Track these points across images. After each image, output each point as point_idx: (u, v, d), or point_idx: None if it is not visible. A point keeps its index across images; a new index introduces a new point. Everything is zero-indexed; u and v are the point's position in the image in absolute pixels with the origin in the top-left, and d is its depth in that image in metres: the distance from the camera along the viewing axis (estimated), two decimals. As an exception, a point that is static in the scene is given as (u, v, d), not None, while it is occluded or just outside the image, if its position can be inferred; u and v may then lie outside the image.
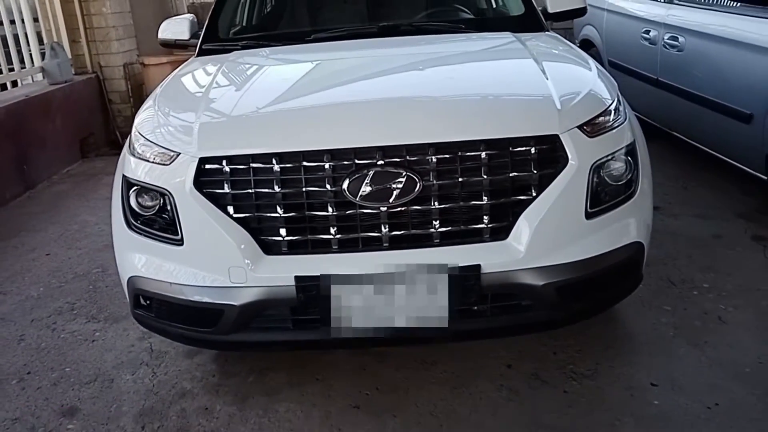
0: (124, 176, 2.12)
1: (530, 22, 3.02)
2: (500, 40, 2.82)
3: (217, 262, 1.93)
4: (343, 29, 2.99)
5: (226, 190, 1.93)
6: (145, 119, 2.26)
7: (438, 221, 1.91)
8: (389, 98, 2.22)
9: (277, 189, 1.90)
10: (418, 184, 1.86)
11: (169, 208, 1.99)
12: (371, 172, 1.86)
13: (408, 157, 1.88)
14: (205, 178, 1.95)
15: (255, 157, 1.92)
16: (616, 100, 2.16)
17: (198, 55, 2.98)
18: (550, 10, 3.12)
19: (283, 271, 1.89)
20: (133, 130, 2.22)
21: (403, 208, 1.89)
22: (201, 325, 2.00)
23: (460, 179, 1.89)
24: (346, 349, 2.40)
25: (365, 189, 1.86)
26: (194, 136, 2.01)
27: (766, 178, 3.19)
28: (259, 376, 2.34)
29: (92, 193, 4.57)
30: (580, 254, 1.93)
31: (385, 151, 1.88)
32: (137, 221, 2.08)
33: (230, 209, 1.94)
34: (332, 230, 1.91)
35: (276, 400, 2.21)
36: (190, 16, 3.26)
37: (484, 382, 2.24)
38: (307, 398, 2.22)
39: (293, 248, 1.93)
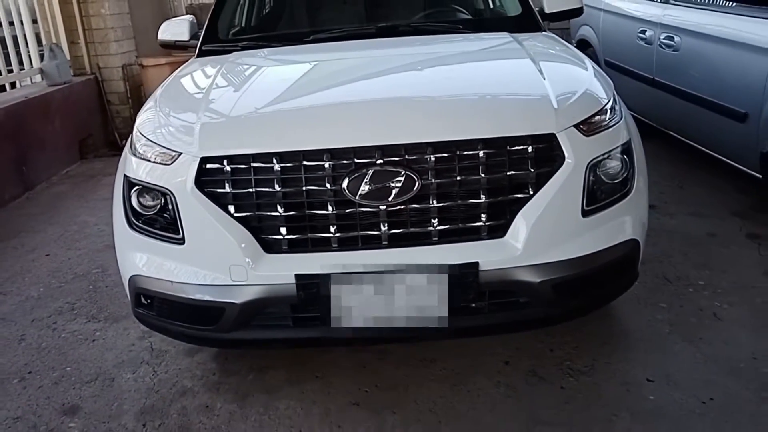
0: (125, 176, 2.14)
1: (527, 22, 3.04)
2: (498, 41, 2.84)
3: (218, 260, 1.95)
4: (342, 30, 3.01)
5: (227, 189, 1.95)
6: (146, 119, 2.28)
7: (436, 219, 1.93)
8: (388, 98, 2.25)
9: (277, 188, 1.93)
10: (417, 183, 1.89)
11: (170, 207, 2.01)
12: (370, 171, 1.89)
13: (407, 156, 1.90)
14: (206, 178, 1.97)
15: (255, 157, 1.94)
16: (611, 99, 2.19)
17: (198, 56, 3.00)
18: (547, 11, 3.15)
19: (283, 270, 1.91)
20: (135, 130, 2.24)
21: (402, 207, 1.91)
22: (202, 323, 2.02)
23: (458, 178, 1.91)
24: (346, 347, 2.42)
25: (365, 188, 1.88)
26: (195, 136, 2.03)
27: (760, 176, 3.22)
28: (259, 374, 2.36)
29: (91, 194, 4.59)
30: (577, 251, 1.96)
31: (384, 150, 1.90)
32: (139, 221, 2.10)
33: (231, 208, 1.96)
34: (332, 229, 1.93)
35: (276, 398, 2.23)
36: (189, 17, 3.28)
37: (482, 378, 2.26)
38: (307, 395, 2.24)
39: (293, 247, 1.96)
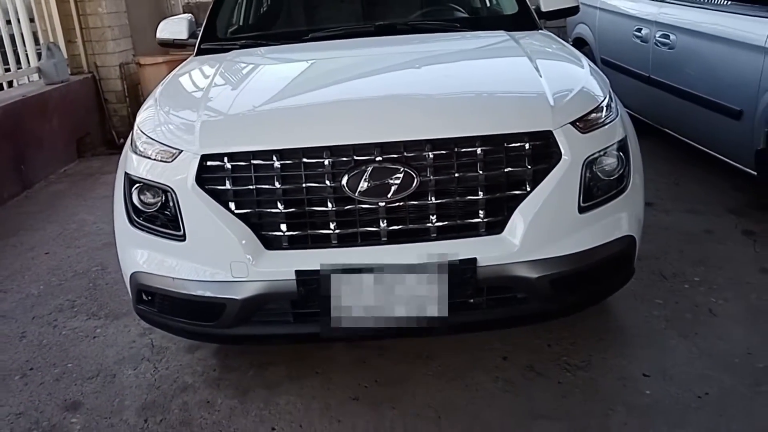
0: (126, 173, 2.16)
1: (524, 20, 3.06)
2: (495, 39, 2.86)
3: (218, 257, 1.97)
4: (340, 28, 3.03)
5: (228, 186, 1.97)
6: (146, 117, 2.29)
7: (435, 216, 1.95)
8: (387, 96, 2.27)
9: (277, 185, 1.94)
10: (416, 180, 1.91)
11: (171, 204, 2.02)
12: (370, 168, 1.90)
13: (406, 154, 1.92)
14: (207, 175, 1.98)
15: (256, 154, 1.96)
16: (607, 96, 2.21)
17: (197, 55, 3.02)
18: (544, 9, 3.18)
19: (283, 266, 1.93)
20: (135, 128, 2.26)
21: (400, 203, 1.93)
22: (203, 319, 2.04)
23: (456, 174, 1.93)
24: (346, 342, 2.44)
25: (364, 185, 1.90)
26: (196, 133, 2.05)
27: (755, 173, 3.25)
28: (259, 370, 2.38)
29: (90, 193, 4.60)
30: (574, 247, 1.98)
31: (384, 147, 1.92)
32: (140, 218, 2.11)
33: (231, 205, 1.97)
34: (332, 225, 1.95)
35: (276, 393, 2.25)
36: (188, 15, 3.30)
37: (481, 374, 2.29)
38: (307, 391, 2.26)
39: (293, 243, 1.97)
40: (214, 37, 3.12)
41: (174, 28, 3.24)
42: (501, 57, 2.69)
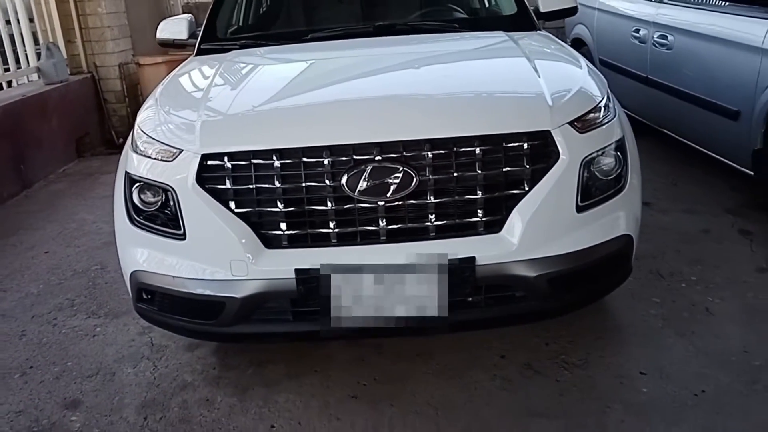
0: (126, 173, 2.17)
1: (522, 21, 3.08)
2: (493, 39, 2.87)
3: (218, 255, 1.98)
4: (339, 29, 3.04)
5: (228, 185, 1.98)
6: (147, 117, 2.30)
7: (434, 215, 1.96)
8: (386, 96, 2.28)
9: (277, 184, 1.96)
10: (415, 179, 1.92)
11: (171, 203, 2.04)
12: (369, 168, 1.92)
13: (405, 153, 1.94)
14: (207, 174, 2.00)
15: (256, 154, 1.97)
16: (605, 97, 2.23)
17: (197, 55, 3.03)
18: (542, 10, 3.19)
19: (283, 264, 1.94)
20: (136, 127, 2.27)
21: (400, 203, 1.94)
22: (203, 317, 2.05)
23: (455, 174, 1.95)
24: (345, 340, 2.45)
25: (363, 184, 1.91)
26: (196, 133, 2.06)
27: (752, 173, 3.27)
28: (258, 368, 2.39)
29: (89, 192, 4.60)
30: (571, 246, 1.99)
31: (383, 147, 1.93)
32: (140, 217, 2.12)
33: (232, 204, 1.98)
34: (331, 224, 1.97)
35: (275, 391, 2.26)
36: (188, 16, 3.31)
37: (479, 372, 2.30)
38: (306, 389, 2.27)
39: (293, 242, 1.99)
40: (214, 37, 3.13)
41: (174, 28, 3.25)
42: (500, 57, 2.70)
